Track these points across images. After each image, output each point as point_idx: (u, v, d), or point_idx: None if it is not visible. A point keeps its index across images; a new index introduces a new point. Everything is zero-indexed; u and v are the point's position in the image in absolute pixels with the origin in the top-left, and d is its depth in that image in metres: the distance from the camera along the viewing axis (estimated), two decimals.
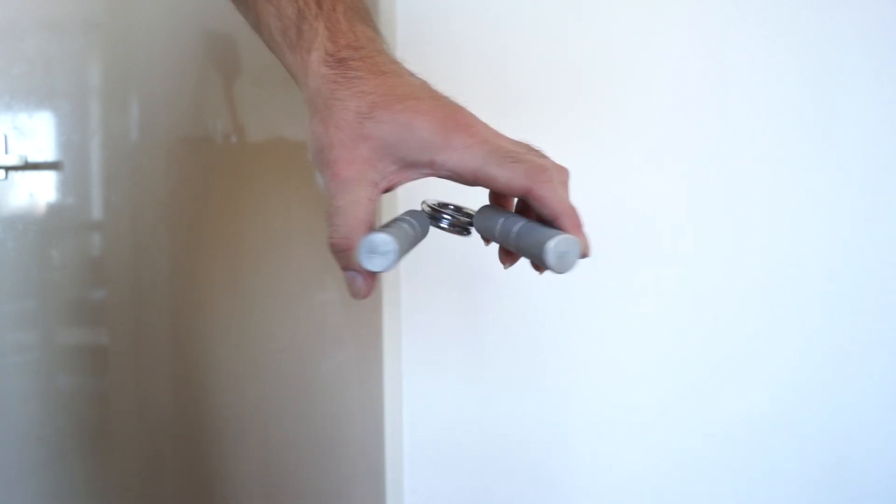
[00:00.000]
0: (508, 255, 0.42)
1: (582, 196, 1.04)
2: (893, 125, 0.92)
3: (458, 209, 0.45)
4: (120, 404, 1.04)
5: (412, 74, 0.41)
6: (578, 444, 1.04)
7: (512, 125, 1.12)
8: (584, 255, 0.36)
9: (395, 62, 0.40)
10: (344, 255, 0.38)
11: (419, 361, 1.08)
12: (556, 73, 1.00)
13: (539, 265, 0.37)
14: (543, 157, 0.40)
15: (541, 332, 1.04)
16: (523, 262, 0.41)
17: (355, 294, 0.40)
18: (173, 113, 1.01)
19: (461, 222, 0.44)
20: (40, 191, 0.99)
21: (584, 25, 0.99)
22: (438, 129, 0.38)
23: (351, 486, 1.08)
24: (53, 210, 1.00)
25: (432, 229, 0.45)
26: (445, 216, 0.44)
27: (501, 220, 0.40)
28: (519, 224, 0.39)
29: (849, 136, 0.93)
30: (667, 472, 1.01)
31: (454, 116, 0.39)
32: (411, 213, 0.42)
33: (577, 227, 0.36)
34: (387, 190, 0.40)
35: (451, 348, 1.07)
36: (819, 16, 0.92)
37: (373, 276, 0.40)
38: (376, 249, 0.35)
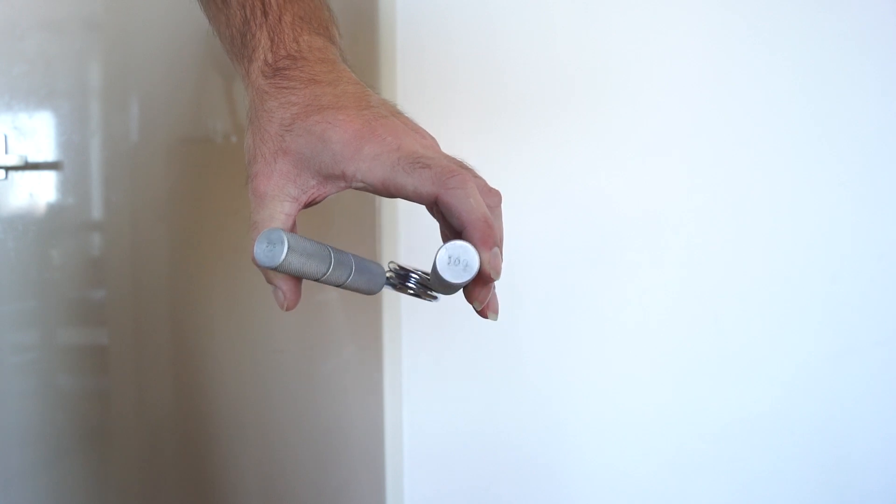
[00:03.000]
0: (474, 297, 0.37)
1: (581, 196, 1.04)
2: (894, 125, 0.92)
3: (415, 279, 0.42)
4: (120, 404, 1.04)
5: (354, 83, 0.39)
6: (578, 444, 1.04)
7: (510, 125, 1.12)
8: (486, 275, 0.33)
9: (336, 70, 0.38)
10: (264, 270, 0.37)
11: (419, 361, 1.08)
12: (554, 73, 1.00)
13: (445, 289, 0.35)
14: (466, 167, 0.36)
15: (541, 332, 1.04)
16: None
17: (280, 305, 0.38)
18: (173, 113, 1.01)
19: (423, 291, 0.42)
20: (40, 191, 0.99)
21: (582, 26, 0.99)
22: (350, 139, 0.35)
23: (351, 486, 1.08)
24: (53, 210, 1.00)
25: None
26: (413, 278, 0.41)
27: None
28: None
29: (849, 137, 0.93)
30: (667, 473, 1.01)
31: (370, 125, 0.35)
32: (352, 255, 0.39)
33: (484, 242, 0.32)
34: (309, 204, 0.39)
35: (451, 348, 1.07)
36: (818, 14, 0.92)
37: (295, 288, 0.38)
38: (269, 238, 0.33)
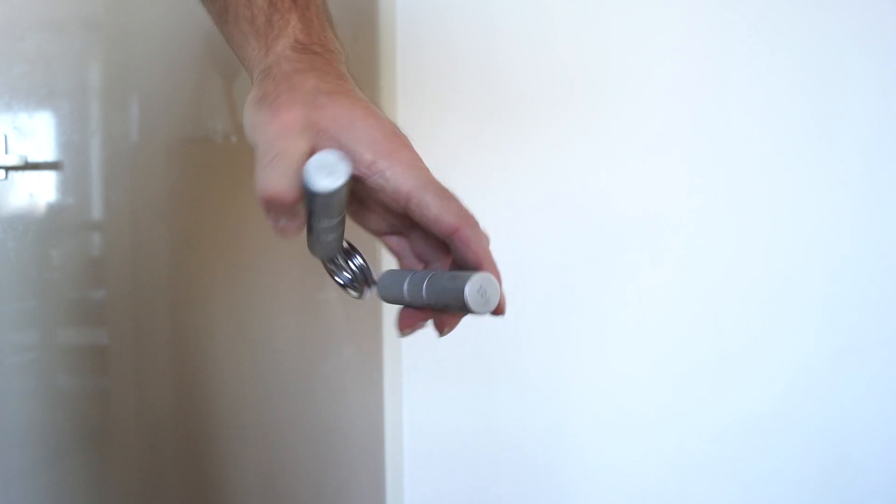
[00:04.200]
0: (445, 321, 0.39)
1: (581, 196, 1.04)
2: (894, 125, 0.91)
3: (364, 265, 0.41)
4: (120, 404, 1.04)
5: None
6: (578, 444, 1.04)
7: (510, 125, 1.12)
8: (501, 310, 0.35)
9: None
10: (280, 206, 0.34)
11: (419, 361, 1.08)
12: (554, 73, 1.00)
13: (456, 310, 0.35)
14: None
15: (541, 332, 1.04)
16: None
17: (283, 231, 0.36)
18: (173, 113, 1.01)
19: (359, 279, 0.41)
20: (40, 191, 0.99)
21: (582, 26, 0.99)
22: (389, 137, 0.36)
23: (351, 486, 1.08)
24: (53, 210, 1.00)
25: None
26: (352, 266, 0.41)
27: (409, 276, 0.38)
28: (429, 274, 0.37)
29: (849, 137, 0.92)
30: (667, 473, 1.01)
31: (401, 136, 0.37)
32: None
33: (497, 277, 0.35)
34: None
35: (451, 348, 1.07)
36: (818, 14, 0.92)
37: (297, 216, 0.36)
38: (327, 166, 0.32)
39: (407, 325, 0.39)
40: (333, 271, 0.42)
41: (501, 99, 1.02)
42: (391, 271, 0.41)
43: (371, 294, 0.42)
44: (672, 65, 0.97)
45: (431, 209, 0.35)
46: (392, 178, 0.35)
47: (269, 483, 1.06)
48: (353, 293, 0.42)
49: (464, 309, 0.34)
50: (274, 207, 0.34)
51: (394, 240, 0.41)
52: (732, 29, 0.95)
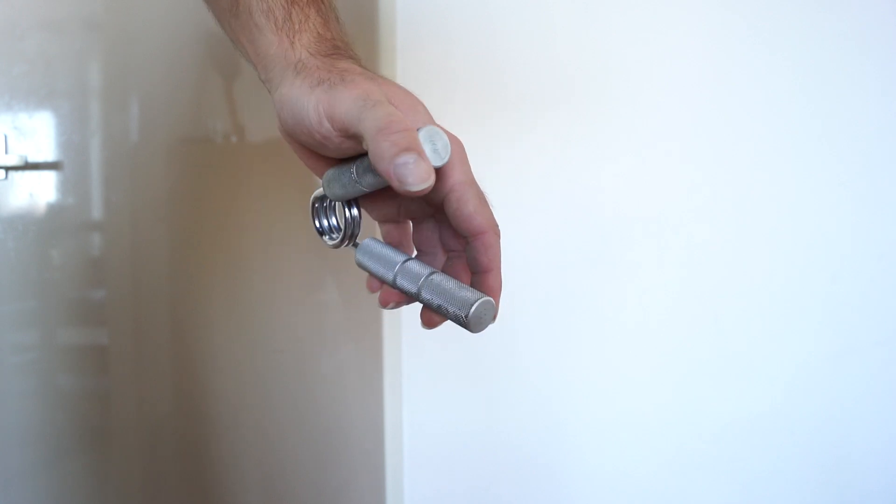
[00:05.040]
0: (434, 318, 0.39)
1: (582, 196, 1.04)
2: (894, 125, 0.92)
3: (357, 218, 0.41)
4: (120, 404, 1.04)
5: None
6: (578, 444, 1.04)
7: (509, 124, 1.12)
8: (493, 318, 0.36)
9: None
10: (408, 134, 0.33)
11: (419, 361, 1.08)
12: (554, 73, 1.00)
13: (445, 315, 0.36)
14: None
15: (541, 332, 1.04)
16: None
17: (421, 180, 0.32)
18: (173, 113, 1.01)
19: (346, 229, 0.41)
20: (40, 191, 0.99)
21: (582, 26, 0.99)
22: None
23: (351, 486, 1.08)
24: (53, 210, 1.00)
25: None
26: (346, 213, 0.40)
27: (402, 259, 0.38)
28: (430, 271, 0.37)
29: (849, 137, 0.92)
30: (667, 473, 1.01)
31: None
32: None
33: (499, 292, 0.37)
34: None
35: (451, 348, 1.07)
36: (818, 14, 0.92)
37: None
38: (430, 136, 0.34)
39: (390, 301, 0.40)
40: (319, 212, 0.42)
41: (501, 99, 1.02)
42: (376, 241, 0.40)
43: (344, 248, 0.42)
44: (672, 64, 0.97)
45: (469, 206, 0.36)
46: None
47: (269, 483, 1.06)
48: (329, 241, 0.42)
49: (457, 320, 0.35)
50: (397, 133, 0.33)
51: (391, 227, 0.42)
52: (732, 29, 0.95)
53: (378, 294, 0.41)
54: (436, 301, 0.36)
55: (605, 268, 1.00)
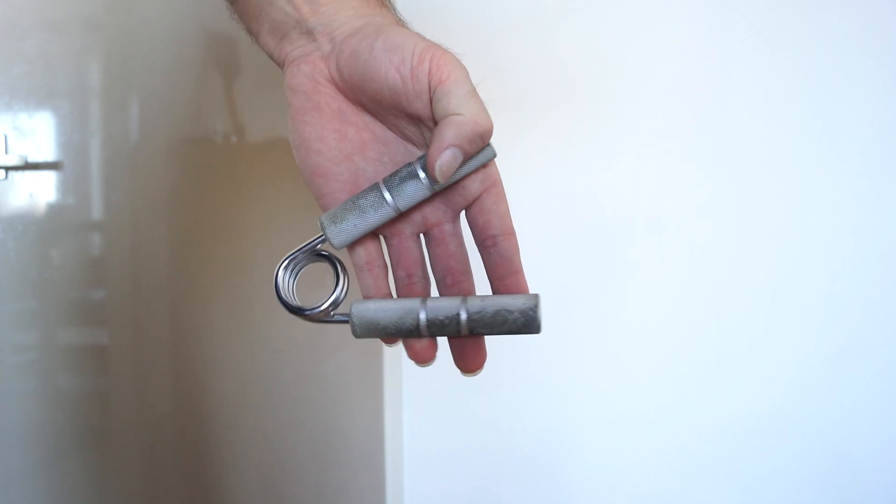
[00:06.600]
0: (478, 361, 0.36)
1: (582, 196, 1.04)
2: (895, 125, 0.91)
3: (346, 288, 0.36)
4: (120, 404, 1.04)
5: None
6: (578, 444, 1.04)
7: (510, 125, 1.12)
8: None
9: None
10: (486, 141, 0.35)
11: None
12: (554, 73, 1.00)
13: (501, 331, 0.33)
14: None
15: (541, 332, 1.03)
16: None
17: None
18: (173, 113, 1.01)
19: (335, 297, 0.36)
20: (40, 191, 0.99)
21: (582, 26, 0.99)
22: None
23: (351, 486, 1.08)
24: (53, 210, 0.99)
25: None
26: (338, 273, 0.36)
27: (418, 300, 0.34)
28: (457, 298, 0.33)
29: (850, 137, 0.92)
30: (667, 473, 1.01)
31: None
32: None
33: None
34: None
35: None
36: (819, 14, 0.92)
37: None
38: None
39: (431, 354, 0.36)
40: (288, 282, 0.37)
41: (502, 98, 1.02)
42: (364, 300, 0.36)
43: (326, 317, 0.36)
44: (673, 64, 0.97)
45: (505, 203, 0.38)
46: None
47: (269, 483, 1.06)
48: (309, 312, 0.36)
49: (516, 324, 0.32)
50: (478, 135, 0.34)
51: (358, 248, 0.39)
52: (733, 28, 0.95)
53: (395, 349, 0.38)
54: (490, 312, 0.32)
55: (606, 267, 1.00)
